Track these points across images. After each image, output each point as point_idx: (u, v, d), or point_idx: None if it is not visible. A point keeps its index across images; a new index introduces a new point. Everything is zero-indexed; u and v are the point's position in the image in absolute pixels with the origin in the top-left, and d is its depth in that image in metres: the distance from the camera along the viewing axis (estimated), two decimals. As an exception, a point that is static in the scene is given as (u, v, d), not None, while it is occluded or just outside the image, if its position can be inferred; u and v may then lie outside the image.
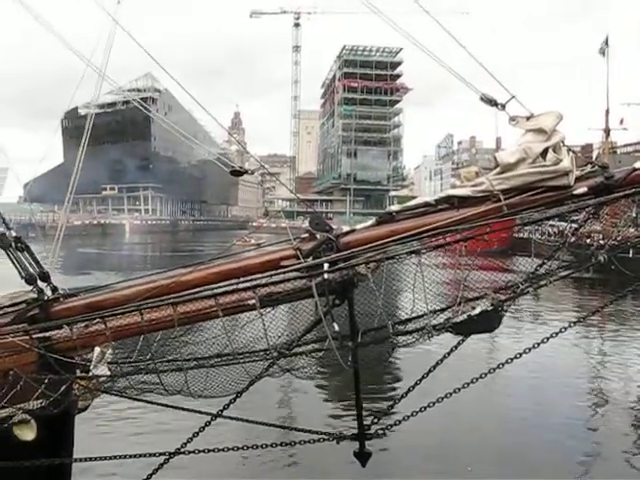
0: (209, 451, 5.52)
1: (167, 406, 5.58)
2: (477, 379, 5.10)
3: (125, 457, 5.99)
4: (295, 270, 4.67)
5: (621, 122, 76.41)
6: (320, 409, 14.31)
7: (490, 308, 4.60)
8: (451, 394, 5.05)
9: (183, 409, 5.60)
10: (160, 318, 4.79)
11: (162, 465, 5.60)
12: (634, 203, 4.70)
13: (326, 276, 4.53)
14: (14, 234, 5.50)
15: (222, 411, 5.28)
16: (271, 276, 4.72)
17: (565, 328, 4.91)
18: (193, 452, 5.48)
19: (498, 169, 4.58)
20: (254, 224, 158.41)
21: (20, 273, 5.43)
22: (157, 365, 5.08)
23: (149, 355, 5.14)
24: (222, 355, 5.08)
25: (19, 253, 5.49)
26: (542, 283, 4.93)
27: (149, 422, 11.56)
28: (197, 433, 5.38)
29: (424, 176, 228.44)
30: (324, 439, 5.40)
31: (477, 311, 4.61)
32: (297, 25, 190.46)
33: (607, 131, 74.73)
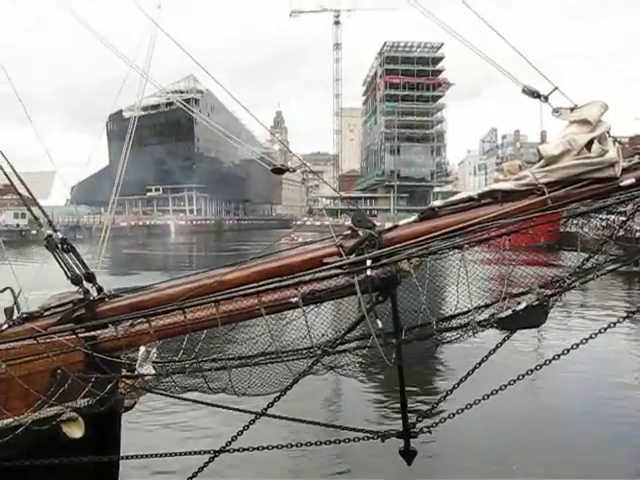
0: (253, 449, 5.54)
1: (212, 405, 5.61)
2: (524, 376, 5.02)
3: (170, 455, 6.04)
4: (338, 267, 4.66)
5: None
6: (364, 407, 14.25)
7: (536, 303, 4.53)
8: (497, 391, 4.98)
9: (228, 408, 5.62)
10: (203, 317, 4.82)
11: (207, 463, 5.64)
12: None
13: (369, 273, 4.52)
14: (60, 236, 5.59)
15: (266, 409, 5.29)
16: (314, 273, 4.72)
17: (614, 323, 4.81)
18: (237, 450, 5.50)
19: (542, 162, 4.51)
20: (298, 222, 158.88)
21: (66, 274, 5.53)
22: (201, 364, 5.12)
23: (193, 354, 5.19)
24: (266, 353, 5.10)
25: (65, 254, 5.58)
26: (589, 277, 4.83)
27: (194, 420, 11.64)
28: (241, 431, 5.40)
29: (468, 171, 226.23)
30: (369, 437, 5.37)
31: (522, 306, 4.54)
32: (337, 23, 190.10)
33: (657, 120, 73.04)
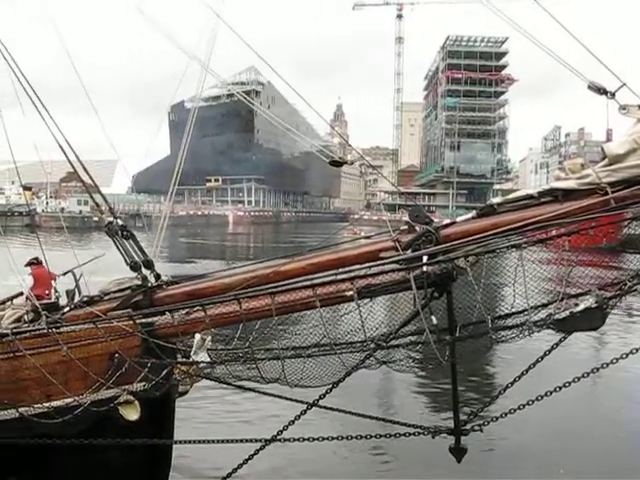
0: (304, 440, 5.57)
1: (265, 393, 5.67)
2: (579, 378, 4.93)
3: (222, 442, 6.13)
4: (394, 262, 4.65)
5: None
6: (416, 403, 14.19)
7: (594, 305, 4.44)
8: (551, 393, 4.91)
9: (280, 397, 5.67)
10: (258, 307, 4.86)
11: (258, 451, 5.69)
12: None
13: (425, 269, 4.49)
14: (120, 223, 5.71)
15: (318, 401, 5.32)
16: (369, 267, 4.71)
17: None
18: (288, 440, 5.54)
19: (606, 161, 4.42)
20: (355, 216, 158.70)
21: (125, 260, 5.64)
22: (255, 353, 5.17)
23: (247, 343, 5.24)
24: (319, 345, 5.11)
25: (125, 241, 5.70)
26: (652, 281, 4.71)
27: (246, 409, 11.72)
28: (293, 421, 5.44)
29: (529, 169, 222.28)
30: (419, 433, 5.36)
31: (580, 308, 4.46)
32: (400, 17, 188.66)
33: None
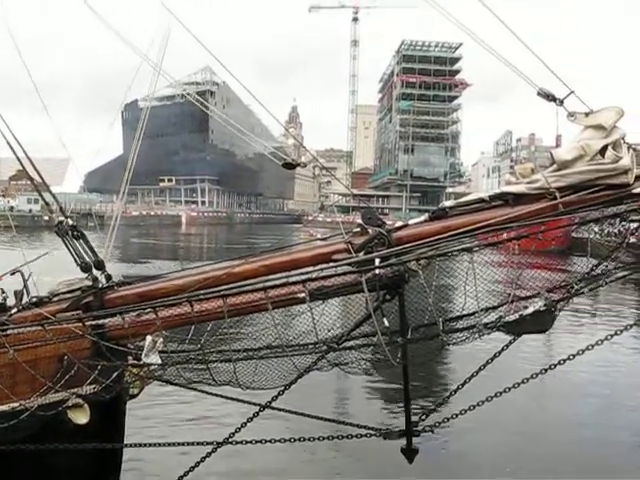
0: (256, 442, 5.56)
1: (216, 395, 5.63)
2: (528, 379, 5.02)
3: (173, 445, 6.07)
4: (346, 264, 4.66)
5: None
6: (368, 404, 14.27)
7: (543, 308, 4.53)
8: (501, 394, 4.99)
9: (232, 399, 5.65)
10: (210, 309, 4.83)
11: (209, 454, 5.66)
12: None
13: (377, 271, 4.51)
14: (70, 222, 5.62)
15: (270, 403, 5.31)
16: (322, 270, 4.72)
17: (621, 330, 4.80)
18: (240, 442, 5.52)
19: (555, 166, 4.49)
20: (309, 218, 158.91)
21: (76, 261, 5.56)
22: (207, 355, 5.14)
23: (199, 345, 5.21)
24: (271, 347, 5.11)
25: (75, 241, 5.61)
26: (598, 284, 4.81)
27: (197, 411, 11.66)
28: (245, 424, 5.42)
29: (482, 173, 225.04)
30: (371, 434, 5.39)
31: (529, 310, 4.54)
32: (356, 20, 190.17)
33: (673, 129, 72.93)
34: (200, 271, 5.23)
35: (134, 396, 6.03)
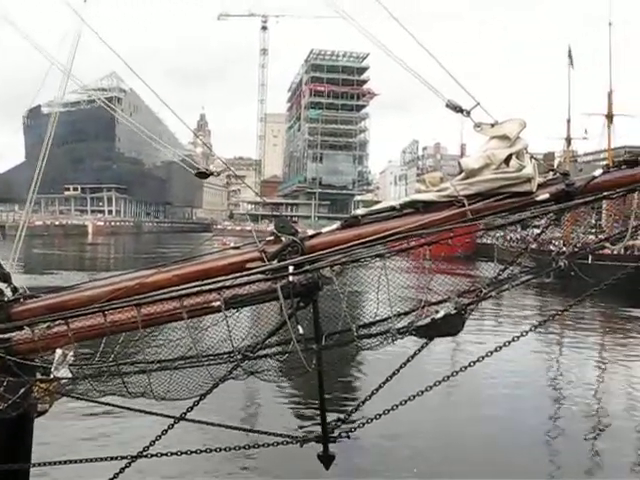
0: (172, 454, 5.48)
1: (129, 409, 5.53)
2: (440, 382, 5.14)
3: (84, 461, 5.89)
4: (260, 272, 4.66)
5: (585, 132, 77.68)
6: (284, 412, 14.31)
7: (453, 312, 4.65)
8: (414, 397, 5.08)
9: (146, 412, 5.55)
10: (124, 320, 4.75)
11: (123, 469, 5.54)
12: (593, 210, 4.81)
13: (291, 279, 4.54)
14: None
15: (185, 414, 5.24)
16: (236, 278, 4.71)
17: (526, 332, 4.98)
18: (155, 455, 5.42)
19: (462, 175, 4.63)
20: (219, 227, 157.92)
21: None
22: (120, 367, 5.04)
23: (112, 357, 5.10)
24: (186, 357, 5.05)
25: None
26: (504, 288, 4.99)
27: (110, 425, 11.43)
28: (159, 436, 5.33)
29: (389, 181, 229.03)
30: (287, 442, 5.40)
31: (440, 314, 4.65)
32: (265, 28, 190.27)
33: (568, 140, 76.23)
34: (111, 281, 5.11)
35: (43, 413, 5.85)
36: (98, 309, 4.73)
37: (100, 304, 4.77)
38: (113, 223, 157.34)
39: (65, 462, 5.95)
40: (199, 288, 4.72)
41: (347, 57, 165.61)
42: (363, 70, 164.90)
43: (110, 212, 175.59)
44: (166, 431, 5.31)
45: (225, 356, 4.96)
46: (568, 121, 73.94)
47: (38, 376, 5.32)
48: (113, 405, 5.53)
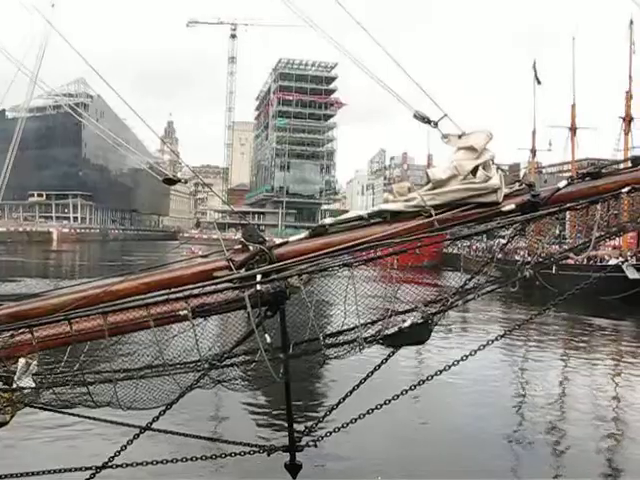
0: (137, 464, 5.42)
1: (94, 419, 5.46)
2: (407, 391, 5.16)
3: (48, 472, 5.79)
4: (228, 281, 4.65)
5: (550, 144, 78.97)
6: (252, 421, 14.27)
7: (420, 321, 4.69)
8: (381, 406, 5.10)
9: (111, 422, 5.49)
10: (90, 328, 4.69)
11: None
12: (558, 221, 4.89)
13: (259, 287, 4.53)
14: None
15: (151, 423, 5.19)
16: (203, 287, 4.69)
17: (492, 341, 5.03)
18: (121, 466, 5.36)
19: (430, 185, 4.67)
20: (185, 235, 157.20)
21: None
22: (85, 376, 4.98)
23: (77, 366, 5.04)
24: (153, 366, 5.01)
25: None
26: (470, 297, 5.03)
27: (75, 436, 11.28)
28: (125, 446, 5.26)
29: (356, 190, 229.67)
30: (254, 451, 5.38)
31: (407, 324, 4.69)
32: (234, 36, 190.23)
33: (533, 151, 77.42)
34: (77, 289, 5.06)
35: (4, 424, 5.74)
36: (64, 317, 4.67)
37: (66, 312, 4.71)
38: (78, 230, 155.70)
39: (27, 474, 5.84)
40: (166, 296, 4.69)
41: (315, 66, 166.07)
42: (331, 80, 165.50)
43: (75, 219, 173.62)
44: (132, 441, 5.25)
45: (192, 365, 4.94)
46: (533, 133, 75.24)
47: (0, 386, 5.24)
48: (77, 415, 5.46)
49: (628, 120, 59.18)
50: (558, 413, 17.35)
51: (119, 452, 5.29)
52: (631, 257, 39.12)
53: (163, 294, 4.73)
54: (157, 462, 5.44)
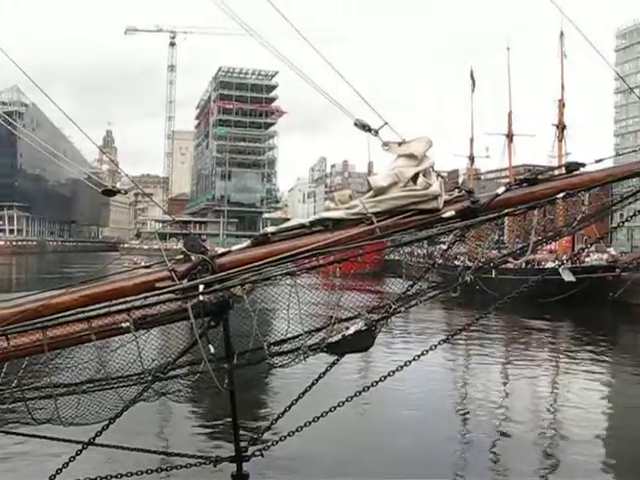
0: None
1: (34, 436, 5.34)
2: (352, 397, 5.19)
3: None
4: (170, 292, 4.61)
5: (487, 150, 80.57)
6: (198, 432, 14.16)
7: (364, 328, 4.71)
8: (327, 413, 5.12)
9: (52, 438, 5.37)
10: (28, 343, 4.58)
11: None
12: (496, 227, 4.99)
13: (201, 298, 4.50)
14: None
15: (94, 439, 5.10)
16: (145, 298, 4.64)
17: (435, 346, 5.10)
18: None
19: (371, 192, 4.71)
20: (126, 245, 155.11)
21: None
22: (24, 393, 4.87)
23: (15, 382, 4.92)
24: (94, 380, 4.93)
25: None
26: (413, 303, 5.09)
27: (15, 453, 10.99)
28: (67, 463, 5.16)
29: (297, 198, 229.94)
30: (201, 463, 5.34)
31: (351, 331, 4.71)
32: (173, 44, 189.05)
33: (472, 158, 78.86)
34: (15, 303, 4.93)
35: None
36: (1, 333, 4.56)
37: (2, 327, 4.60)
38: (15, 242, 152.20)
39: None
40: (107, 309, 4.62)
41: (256, 75, 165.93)
42: (272, 88, 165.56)
43: (12, 231, 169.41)
44: (74, 457, 5.14)
45: (135, 378, 4.87)
46: (471, 140, 76.62)
47: None
48: (16, 434, 5.33)
49: (561, 127, 60.91)
50: (499, 412, 17.75)
51: (61, 469, 5.18)
52: (567, 260, 40.13)
53: (104, 306, 4.65)
54: (101, 478, 5.32)
